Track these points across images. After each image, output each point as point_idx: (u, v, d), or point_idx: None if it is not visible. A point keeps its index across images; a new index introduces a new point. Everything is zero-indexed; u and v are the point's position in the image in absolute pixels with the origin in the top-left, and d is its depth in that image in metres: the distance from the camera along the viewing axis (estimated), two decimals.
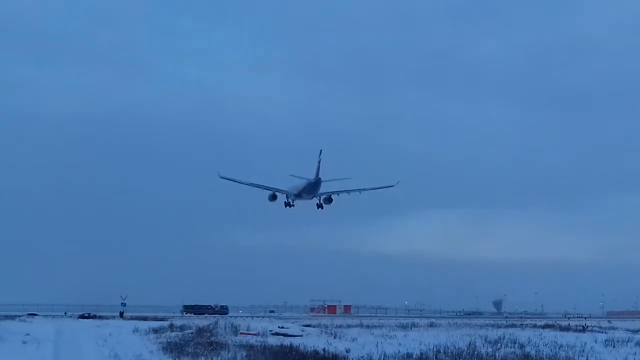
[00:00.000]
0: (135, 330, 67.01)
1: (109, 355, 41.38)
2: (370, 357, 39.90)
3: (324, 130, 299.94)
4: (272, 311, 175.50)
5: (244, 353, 40.10)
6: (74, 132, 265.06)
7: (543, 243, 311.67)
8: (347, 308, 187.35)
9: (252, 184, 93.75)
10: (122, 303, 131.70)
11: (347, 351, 43.55)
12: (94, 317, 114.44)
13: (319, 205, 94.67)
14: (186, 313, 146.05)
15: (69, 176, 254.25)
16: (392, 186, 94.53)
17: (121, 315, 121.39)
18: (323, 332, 64.50)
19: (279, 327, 66.42)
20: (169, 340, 52.44)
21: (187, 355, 40.87)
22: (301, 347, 42.96)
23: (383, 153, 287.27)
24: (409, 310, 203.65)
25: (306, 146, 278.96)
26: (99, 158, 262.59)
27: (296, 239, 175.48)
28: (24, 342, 52.45)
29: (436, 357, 41.25)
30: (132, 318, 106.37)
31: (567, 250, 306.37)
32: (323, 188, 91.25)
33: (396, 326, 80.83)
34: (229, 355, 39.57)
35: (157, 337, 57.51)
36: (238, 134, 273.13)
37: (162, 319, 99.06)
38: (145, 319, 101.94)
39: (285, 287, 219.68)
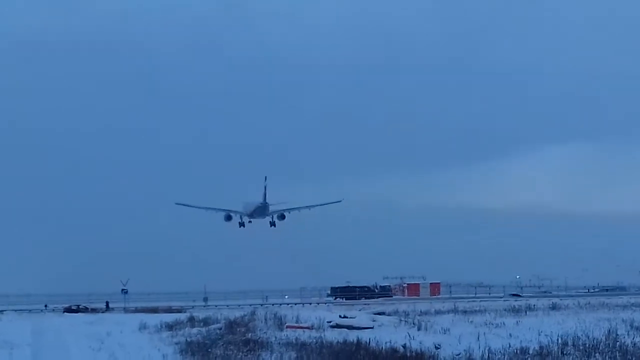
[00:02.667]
0: (142, 327, 67.79)
1: None
2: (470, 354, 39.91)
3: (386, 41, 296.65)
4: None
5: (293, 354, 40.45)
6: (48, 55, 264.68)
7: None
8: (434, 287, 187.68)
9: (207, 208, 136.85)
10: (122, 290, 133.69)
11: (437, 347, 43.68)
12: (85, 310, 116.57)
13: (272, 224, 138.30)
14: (335, 298, 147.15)
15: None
16: (340, 201, 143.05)
17: (107, 306, 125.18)
18: (402, 322, 64.69)
19: (340, 316, 66.84)
20: (188, 339, 53.02)
21: (215, 359, 41.37)
22: (373, 344, 43.22)
23: (468, 69, 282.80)
24: (521, 288, 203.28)
25: (361, 60, 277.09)
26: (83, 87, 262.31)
27: (358, 197, 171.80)
28: None
29: (562, 352, 41.13)
30: (136, 310, 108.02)
31: None
32: (274, 207, 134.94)
33: (504, 310, 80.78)
34: (272, 358, 39.94)
35: (172, 336, 58.29)
36: (271, 48, 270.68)
37: (178, 311, 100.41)
38: (155, 310, 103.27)
39: (347, 262, 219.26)
